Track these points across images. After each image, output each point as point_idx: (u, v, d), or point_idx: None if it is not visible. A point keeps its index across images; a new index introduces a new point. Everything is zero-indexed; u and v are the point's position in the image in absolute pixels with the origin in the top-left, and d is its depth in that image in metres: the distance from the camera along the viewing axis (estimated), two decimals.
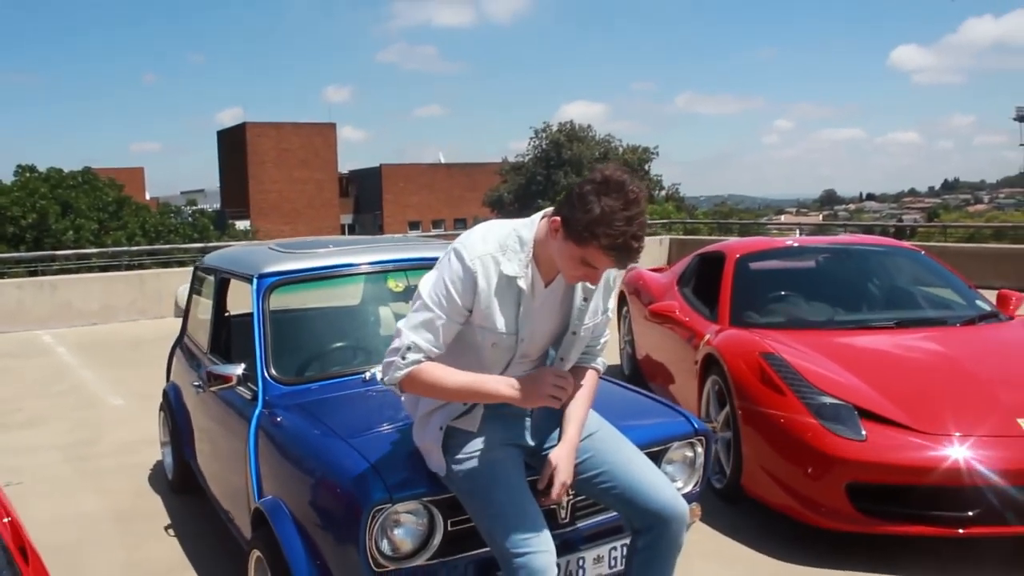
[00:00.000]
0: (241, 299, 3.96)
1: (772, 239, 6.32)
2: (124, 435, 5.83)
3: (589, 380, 2.48)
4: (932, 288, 5.07)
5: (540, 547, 2.20)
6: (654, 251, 15.56)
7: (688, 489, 2.87)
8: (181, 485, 4.49)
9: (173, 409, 4.48)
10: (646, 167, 42.86)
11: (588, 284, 2.30)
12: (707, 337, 4.52)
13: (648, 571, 2.43)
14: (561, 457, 2.33)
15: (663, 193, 42.32)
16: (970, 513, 3.33)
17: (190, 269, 12.92)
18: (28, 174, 26.24)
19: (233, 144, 48.90)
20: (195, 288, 4.62)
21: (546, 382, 2.25)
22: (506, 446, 2.37)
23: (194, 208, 32.01)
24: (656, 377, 5.67)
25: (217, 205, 48.09)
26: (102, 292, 11.85)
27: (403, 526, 2.36)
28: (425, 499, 2.38)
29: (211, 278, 4.13)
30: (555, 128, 42.04)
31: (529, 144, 42.22)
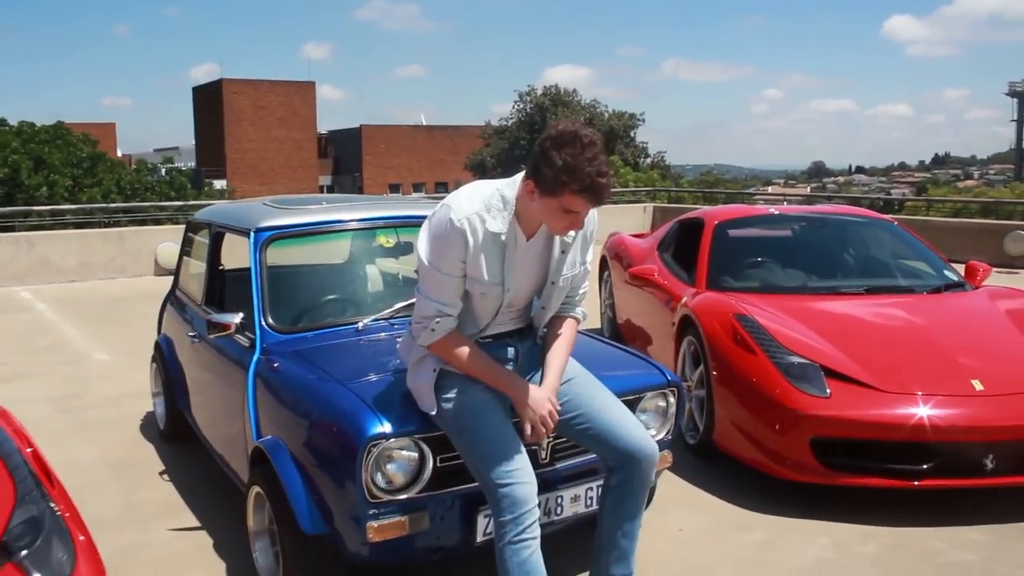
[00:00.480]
0: (232, 256, 4.08)
1: (751, 207, 6.50)
2: (111, 389, 5.94)
3: (568, 328, 2.68)
4: (904, 258, 5.27)
5: (523, 479, 2.39)
6: (637, 218, 15.70)
7: (660, 436, 3.06)
8: (173, 434, 4.63)
9: (166, 360, 4.60)
10: (631, 134, 42.76)
11: (566, 239, 2.52)
12: (684, 300, 4.69)
13: (620, 506, 2.62)
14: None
15: (648, 161, 42.28)
16: (925, 467, 3.55)
17: (169, 228, 12.94)
18: None
19: (209, 101, 48.32)
20: (187, 242, 4.72)
21: (542, 411, 2.49)
22: (492, 388, 2.54)
23: (170, 166, 31.68)
24: (635, 339, 5.84)
25: (192, 163, 47.55)
26: (80, 249, 11.79)
27: (396, 461, 2.53)
28: (416, 436, 2.54)
29: (205, 232, 4.23)
30: (540, 92, 41.84)
31: (513, 108, 42.00)
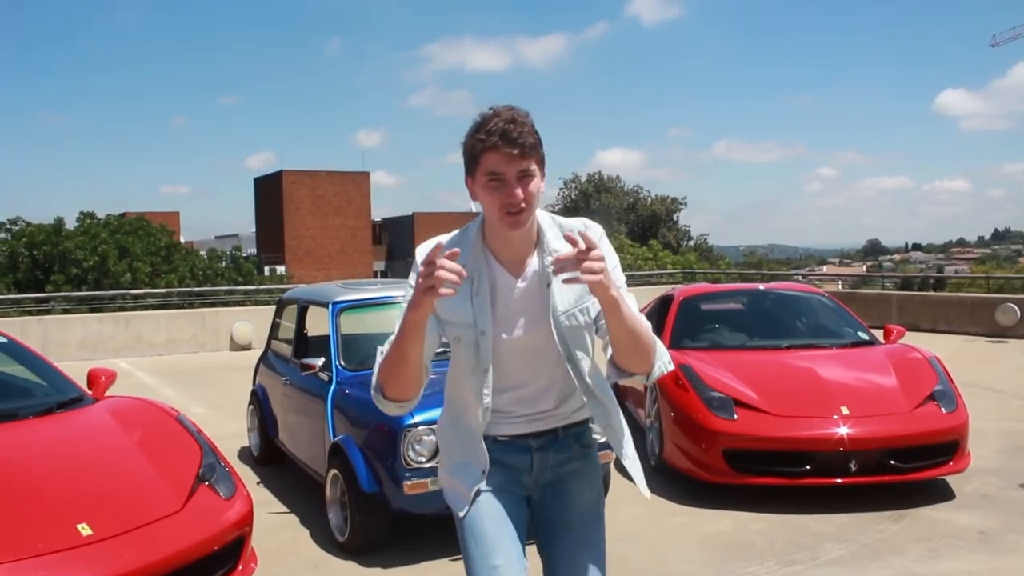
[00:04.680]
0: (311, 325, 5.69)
1: (715, 284, 7.99)
2: (210, 432, 7.47)
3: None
4: (830, 323, 6.68)
5: None
6: None
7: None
8: (265, 459, 6.19)
9: (261, 401, 6.20)
10: (674, 217, 44.37)
11: (548, 268, 2.12)
12: None
13: None
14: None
15: (691, 243, 43.72)
16: (806, 468, 4.93)
17: (241, 309, 14.78)
18: (88, 220, 28.59)
19: (269, 191, 51.24)
20: (278, 314, 6.37)
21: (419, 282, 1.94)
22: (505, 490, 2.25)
23: (237, 254, 34.23)
24: (628, 396, 7.27)
25: (252, 250, 50.23)
26: (168, 327, 13.82)
27: (422, 442, 4.04)
28: (435, 425, 4.03)
29: (292, 306, 5.87)
30: (584, 179, 43.88)
31: (558, 194, 44.06)
